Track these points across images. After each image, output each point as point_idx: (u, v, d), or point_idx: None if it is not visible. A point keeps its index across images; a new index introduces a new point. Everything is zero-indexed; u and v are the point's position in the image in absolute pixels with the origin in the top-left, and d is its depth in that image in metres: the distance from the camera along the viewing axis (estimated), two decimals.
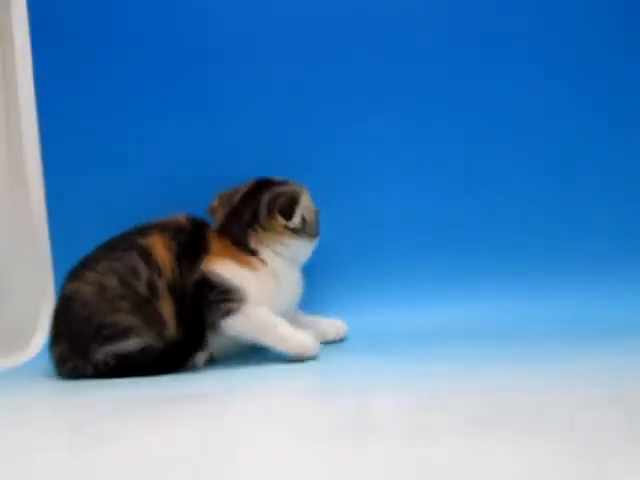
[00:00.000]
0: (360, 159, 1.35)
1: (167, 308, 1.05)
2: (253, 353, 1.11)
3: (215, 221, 1.14)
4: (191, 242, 1.08)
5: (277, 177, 1.16)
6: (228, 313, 1.03)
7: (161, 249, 1.07)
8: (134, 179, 1.35)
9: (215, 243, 1.10)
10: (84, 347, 1.04)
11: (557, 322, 1.22)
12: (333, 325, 1.22)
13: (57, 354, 1.06)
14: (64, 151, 1.36)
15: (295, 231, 1.11)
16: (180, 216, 1.12)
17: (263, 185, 1.14)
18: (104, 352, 1.03)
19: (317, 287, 1.26)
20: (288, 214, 1.10)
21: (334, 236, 1.21)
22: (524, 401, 0.79)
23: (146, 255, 1.06)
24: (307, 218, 1.13)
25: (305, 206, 1.12)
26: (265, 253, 1.10)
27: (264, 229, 1.11)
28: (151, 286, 1.05)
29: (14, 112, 1.35)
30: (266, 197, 1.12)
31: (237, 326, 1.04)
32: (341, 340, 1.21)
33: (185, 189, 1.28)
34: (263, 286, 1.07)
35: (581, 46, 1.31)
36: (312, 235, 1.15)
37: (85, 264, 1.10)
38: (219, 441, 0.71)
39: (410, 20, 1.34)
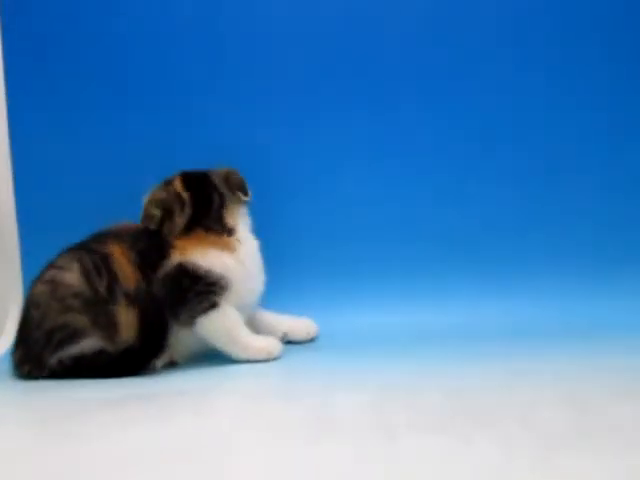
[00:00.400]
0: (334, 151, 1.36)
1: (124, 316, 1.02)
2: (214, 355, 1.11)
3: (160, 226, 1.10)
4: (151, 246, 1.07)
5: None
6: (211, 307, 1.03)
7: (120, 258, 1.05)
8: (104, 178, 1.35)
9: (181, 239, 1.08)
10: (38, 354, 1.03)
11: (534, 321, 1.25)
12: (303, 325, 1.21)
13: (16, 358, 1.06)
14: (34, 149, 1.36)
15: (247, 205, 1.15)
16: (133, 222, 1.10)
17: (195, 176, 1.15)
18: (57, 357, 1.02)
19: (289, 286, 1.27)
20: (245, 190, 1.14)
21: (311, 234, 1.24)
22: (484, 400, 0.81)
23: (106, 261, 1.05)
24: None
25: None
26: (241, 230, 1.12)
27: (231, 207, 1.13)
28: (110, 289, 1.03)
29: None
30: (218, 180, 1.14)
31: (213, 324, 1.04)
32: (312, 340, 1.21)
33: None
34: (240, 271, 1.07)
35: (580, 48, 1.33)
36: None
37: (47, 266, 1.08)
38: (187, 440, 0.72)
39: (406, 19, 1.34)
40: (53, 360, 1.02)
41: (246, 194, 1.14)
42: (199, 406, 0.87)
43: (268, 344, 1.07)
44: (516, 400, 0.79)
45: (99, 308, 1.02)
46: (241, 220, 1.13)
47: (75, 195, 1.35)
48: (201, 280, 1.02)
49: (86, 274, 1.03)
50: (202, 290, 1.02)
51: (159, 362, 1.04)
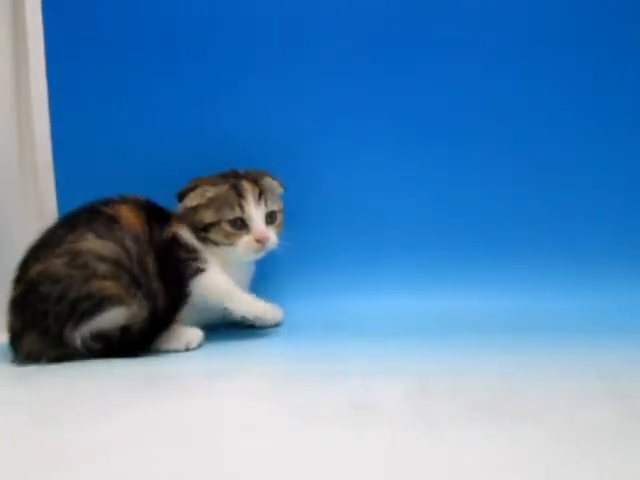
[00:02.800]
0: (334, 143, 1.34)
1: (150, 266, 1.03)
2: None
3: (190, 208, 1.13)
4: (157, 213, 1.10)
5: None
6: (197, 272, 1.07)
7: (128, 214, 1.06)
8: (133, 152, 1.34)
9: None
10: (59, 332, 0.99)
11: (550, 314, 1.23)
12: (269, 309, 1.18)
13: (25, 351, 1.00)
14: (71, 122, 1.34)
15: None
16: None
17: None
18: (82, 331, 0.99)
19: (315, 270, 1.30)
20: None
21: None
22: (528, 392, 0.79)
23: (114, 220, 1.04)
24: None
25: None
26: None
27: None
28: (127, 251, 1.02)
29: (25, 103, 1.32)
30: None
31: (204, 285, 1.07)
32: (277, 325, 1.21)
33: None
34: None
35: (579, 50, 1.31)
36: None
37: (43, 245, 1.04)
38: (200, 423, 0.71)
39: (406, 19, 1.32)
40: (77, 336, 0.99)
41: None
42: (228, 388, 0.87)
43: (264, 305, 1.12)
44: (561, 394, 0.79)
45: (127, 271, 1.01)
46: None
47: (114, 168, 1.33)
48: (189, 249, 1.08)
49: (103, 237, 1.01)
50: (189, 257, 1.07)
51: (194, 336, 1.07)
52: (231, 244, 1.12)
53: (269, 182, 1.17)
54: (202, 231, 1.12)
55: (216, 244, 1.12)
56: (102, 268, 1.00)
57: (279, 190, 1.20)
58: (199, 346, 1.07)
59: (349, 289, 1.34)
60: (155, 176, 1.22)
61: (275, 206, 1.16)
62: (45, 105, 1.32)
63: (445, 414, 0.71)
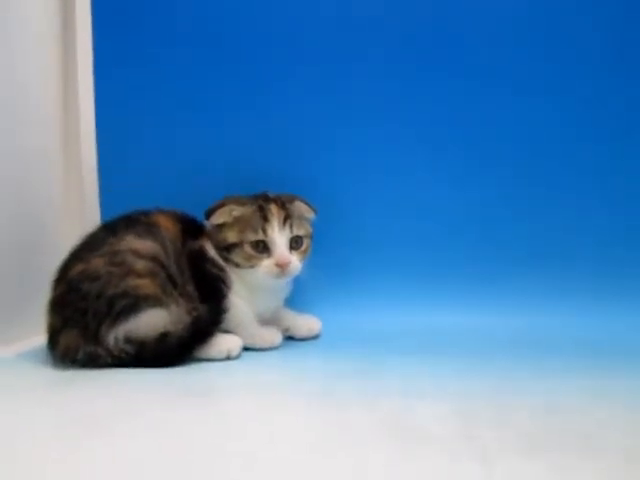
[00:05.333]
0: (349, 154, 1.35)
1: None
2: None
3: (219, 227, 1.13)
4: (191, 225, 1.13)
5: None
6: (223, 294, 1.08)
7: (166, 222, 1.10)
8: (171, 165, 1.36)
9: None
10: (96, 329, 0.99)
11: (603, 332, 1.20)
12: (307, 321, 1.21)
13: (63, 347, 1.01)
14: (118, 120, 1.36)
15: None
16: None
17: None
18: (116, 332, 0.99)
19: (340, 286, 1.29)
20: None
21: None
22: (578, 420, 0.75)
23: (153, 225, 1.08)
24: None
25: None
26: None
27: None
28: (165, 249, 1.06)
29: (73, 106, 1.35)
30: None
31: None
32: (315, 337, 1.21)
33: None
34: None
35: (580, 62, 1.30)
36: None
37: (85, 247, 1.06)
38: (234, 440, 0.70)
39: (422, 37, 1.32)
40: (111, 335, 0.99)
41: None
42: (264, 405, 0.84)
43: (271, 333, 1.13)
44: (613, 424, 0.75)
45: (163, 268, 1.03)
46: None
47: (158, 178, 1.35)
48: (216, 264, 1.10)
49: (142, 237, 1.04)
50: (216, 274, 1.09)
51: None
52: (251, 267, 1.10)
53: (298, 206, 1.15)
54: (225, 250, 1.11)
55: (237, 266, 1.11)
56: (139, 264, 1.02)
57: (309, 215, 1.17)
58: (239, 355, 1.06)
59: (384, 303, 1.33)
60: (192, 192, 1.22)
61: (301, 231, 1.13)
62: (92, 124, 1.35)
63: (492, 442, 0.68)
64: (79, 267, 1.03)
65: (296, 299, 1.23)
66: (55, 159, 1.32)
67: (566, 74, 1.30)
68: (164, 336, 1.00)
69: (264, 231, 1.09)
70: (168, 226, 1.10)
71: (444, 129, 1.33)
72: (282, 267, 1.09)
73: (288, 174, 1.29)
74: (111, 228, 1.09)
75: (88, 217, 1.34)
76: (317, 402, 0.84)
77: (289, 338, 1.20)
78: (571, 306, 1.29)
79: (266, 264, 1.10)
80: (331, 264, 1.19)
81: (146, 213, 1.11)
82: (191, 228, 1.12)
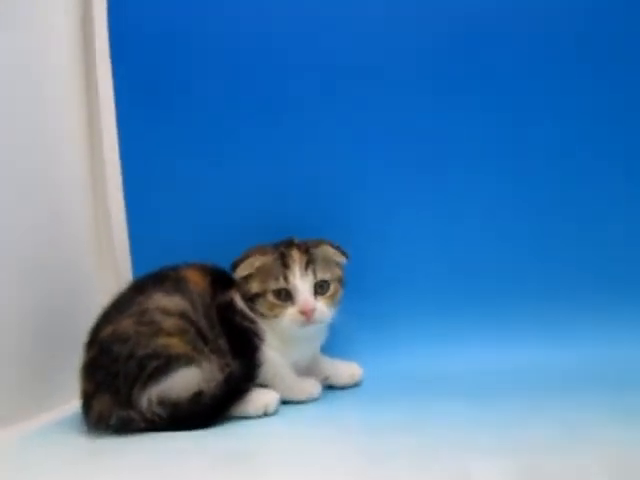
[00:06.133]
0: (378, 197, 1.31)
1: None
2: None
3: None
4: (221, 277, 1.10)
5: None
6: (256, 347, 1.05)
7: (195, 276, 1.07)
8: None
9: None
10: (128, 392, 0.96)
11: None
12: (347, 368, 1.17)
13: (96, 412, 0.97)
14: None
15: None
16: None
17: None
18: (149, 394, 0.96)
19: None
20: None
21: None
22: None
23: (182, 280, 1.06)
24: None
25: None
26: None
27: None
28: (194, 305, 1.03)
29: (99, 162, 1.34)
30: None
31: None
32: (355, 385, 1.16)
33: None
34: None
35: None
36: None
37: (114, 308, 1.04)
38: None
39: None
40: (144, 398, 0.95)
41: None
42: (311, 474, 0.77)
43: (309, 385, 1.09)
44: None
45: (192, 324, 1.01)
46: None
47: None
48: (246, 316, 1.06)
49: (170, 294, 1.02)
50: (247, 327, 1.06)
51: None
52: (275, 316, 1.06)
53: (324, 250, 1.10)
54: (250, 301, 1.07)
55: (263, 316, 1.06)
56: (168, 322, 1.00)
57: (338, 259, 1.11)
58: (276, 410, 1.01)
59: (425, 345, 1.26)
60: (225, 241, 1.17)
61: (327, 275, 1.08)
62: (118, 174, 1.33)
63: None
64: (109, 329, 1.01)
65: (333, 345, 1.17)
66: (84, 219, 1.31)
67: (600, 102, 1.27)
68: (197, 396, 0.96)
69: (285, 278, 1.05)
70: (197, 280, 1.07)
71: (478, 165, 1.29)
72: (306, 314, 1.04)
73: (322, 219, 1.26)
74: (139, 286, 1.07)
75: (121, 275, 1.31)
76: (365, 462, 0.79)
77: (329, 387, 1.14)
78: (625, 337, 1.21)
79: (290, 312, 1.05)
80: (368, 308, 1.17)
81: (174, 268, 1.09)
82: (221, 280, 1.09)
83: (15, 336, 1.05)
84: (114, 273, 1.33)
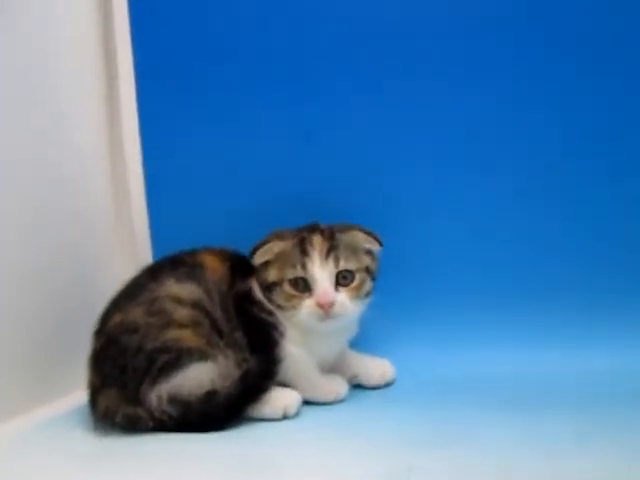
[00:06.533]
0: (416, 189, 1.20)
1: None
2: None
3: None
4: (243, 264, 1.00)
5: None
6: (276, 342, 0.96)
7: (213, 262, 0.99)
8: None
9: None
10: (136, 388, 0.89)
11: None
12: (378, 367, 1.06)
13: (102, 408, 0.91)
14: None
15: None
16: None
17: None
18: (159, 392, 0.89)
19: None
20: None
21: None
22: None
23: (198, 266, 0.97)
24: None
25: None
26: None
27: None
28: (209, 294, 0.95)
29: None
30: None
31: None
32: (387, 385, 1.06)
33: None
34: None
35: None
36: None
37: (125, 294, 0.97)
38: None
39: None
40: (153, 395, 0.88)
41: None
42: None
43: (335, 384, 1.00)
44: None
45: (207, 315, 0.93)
46: None
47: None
48: (264, 308, 0.98)
49: (183, 281, 0.95)
50: (266, 319, 0.97)
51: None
52: (293, 308, 0.96)
53: (352, 236, 0.99)
54: (267, 291, 0.98)
55: (279, 307, 0.97)
56: (180, 312, 0.92)
57: (370, 246, 1.01)
58: (297, 412, 0.93)
59: (464, 343, 1.15)
60: (251, 225, 1.06)
61: (352, 264, 0.97)
62: (139, 158, 1.26)
63: None
64: (117, 318, 0.93)
65: (363, 339, 1.07)
66: (103, 204, 1.25)
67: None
68: (211, 395, 0.88)
69: (303, 266, 0.95)
70: (215, 266, 0.98)
71: (506, 159, 1.17)
72: (324, 307, 0.94)
73: (352, 206, 1.15)
74: (153, 271, 0.99)
75: (140, 260, 1.23)
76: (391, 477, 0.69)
77: (357, 386, 1.05)
78: None
79: (307, 304, 0.95)
80: (402, 303, 1.08)
81: (192, 253, 1.01)
82: (242, 268, 1.00)
83: (20, 324, 0.99)
84: (132, 258, 1.26)
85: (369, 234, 1.00)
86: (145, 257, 1.24)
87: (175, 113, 1.22)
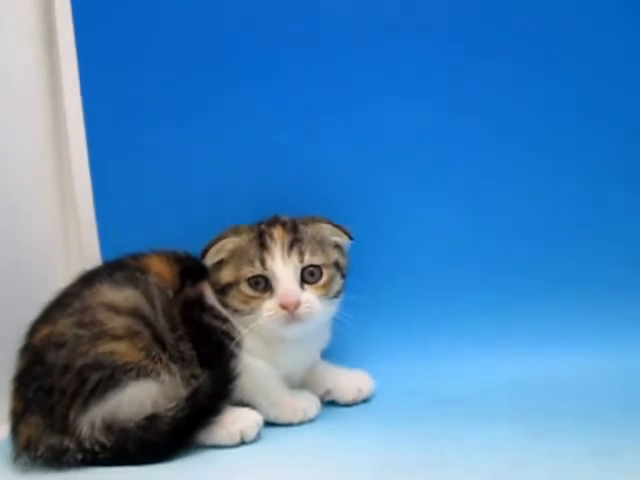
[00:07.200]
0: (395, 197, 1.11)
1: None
2: None
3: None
4: (194, 268, 0.89)
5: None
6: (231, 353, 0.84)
7: (159, 265, 0.88)
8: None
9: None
10: (64, 413, 0.76)
11: None
12: (353, 380, 0.95)
13: (24, 438, 0.78)
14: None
15: None
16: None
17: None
18: (90, 418, 0.76)
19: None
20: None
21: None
22: None
23: (140, 271, 0.86)
24: None
25: None
26: None
27: None
28: (150, 300, 0.83)
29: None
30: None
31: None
32: (364, 401, 0.94)
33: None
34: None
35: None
36: None
37: (56, 304, 0.84)
38: None
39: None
40: (84, 422, 0.75)
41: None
42: None
43: (303, 402, 0.89)
44: None
45: (148, 325, 0.81)
46: None
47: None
48: (216, 314, 0.86)
49: (120, 286, 0.83)
50: (218, 327, 0.85)
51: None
52: (251, 311, 0.84)
53: (318, 229, 0.90)
54: (220, 293, 0.87)
55: (236, 312, 0.85)
56: (114, 322, 0.80)
57: (338, 239, 0.91)
58: (258, 436, 0.81)
59: (448, 351, 1.05)
60: (205, 228, 0.95)
61: (319, 259, 0.87)
62: (85, 158, 1.15)
63: None
64: (45, 330, 0.81)
65: (336, 349, 0.96)
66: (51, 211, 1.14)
67: None
68: (152, 420, 0.76)
69: (262, 262, 0.84)
70: (160, 269, 0.87)
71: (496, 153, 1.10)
72: (289, 308, 0.82)
73: (320, 204, 1.02)
74: (88, 277, 0.87)
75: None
76: None
77: (330, 403, 0.93)
78: None
79: (269, 306, 0.84)
80: (379, 303, 0.98)
81: (137, 256, 0.89)
82: (194, 272, 0.88)
83: None
84: (80, 263, 1.11)
85: (337, 226, 0.90)
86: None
87: (121, 109, 1.11)
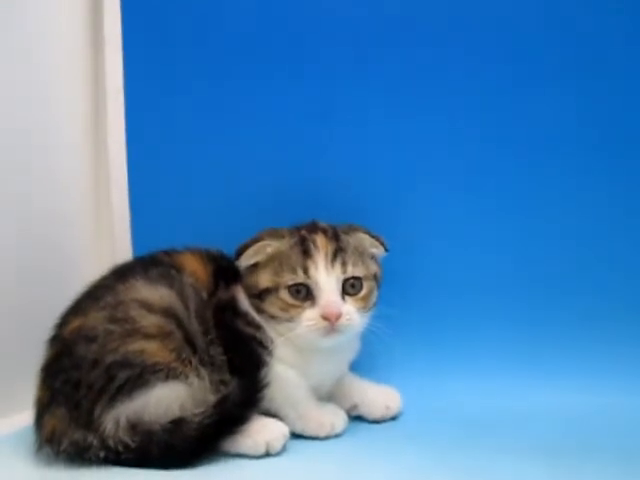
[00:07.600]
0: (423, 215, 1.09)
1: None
2: None
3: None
4: (229, 268, 0.87)
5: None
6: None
7: (193, 264, 0.86)
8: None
9: None
10: (90, 408, 0.75)
11: None
12: (381, 396, 0.93)
13: (48, 430, 0.77)
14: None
15: None
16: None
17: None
18: (116, 416, 0.75)
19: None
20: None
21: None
22: None
23: (175, 268, 0.85)
24: None
25: None
26: None
27: None
28: (184, 300, 0.82)
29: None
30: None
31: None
32: (392, 419, 0.92)
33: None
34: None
35: None
36: None
37: (88, 295, 0.83)
38: None
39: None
40: (109, 419, 0.74)
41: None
42: None
43: (331, 416, 0.86)
44: None
45: (180, 326, 0.80)
46: None
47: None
48: (249, 320, 0.84)
49: (154, 283, 0.82)
50: (250, 334, 0.83)
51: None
52: (291, 320, 0.82)
53: (358, 239, 0.88)
54: (257, 298, 0.84)
55: (273, 318, 0.83)
56: (147, 320, 0.79)
57: (376, 250, 0.90)
58: (283, 448, 0.79)
59: (486, 371, 1.02)
60: (239, 227, 0.94)
61: (360, 271, 0.85)
62: (123, 152, 1.15)
63: None
64: (75, 323, 0.80)
65: (365, 363, 0.94)
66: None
67: None
68: (179, 423, 0.74)
69: (305, 270, 0.82)
70: (195, 268, 0.85)
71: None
72: (330, 319, 0.80)
73: (353, 209, 1.01)
74: (121, 270, 0.86)
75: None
76: None
77: (357, 418, 0.90)
78: None
79: (309, 316, 0.82)
80: (414, 317, 0.97)
81: (169, 252, 0.88)
82: (228, 272, 0.86)
83: None
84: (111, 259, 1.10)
85: (375, 237, 0.88)
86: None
87: (162, 103, 1.10)
